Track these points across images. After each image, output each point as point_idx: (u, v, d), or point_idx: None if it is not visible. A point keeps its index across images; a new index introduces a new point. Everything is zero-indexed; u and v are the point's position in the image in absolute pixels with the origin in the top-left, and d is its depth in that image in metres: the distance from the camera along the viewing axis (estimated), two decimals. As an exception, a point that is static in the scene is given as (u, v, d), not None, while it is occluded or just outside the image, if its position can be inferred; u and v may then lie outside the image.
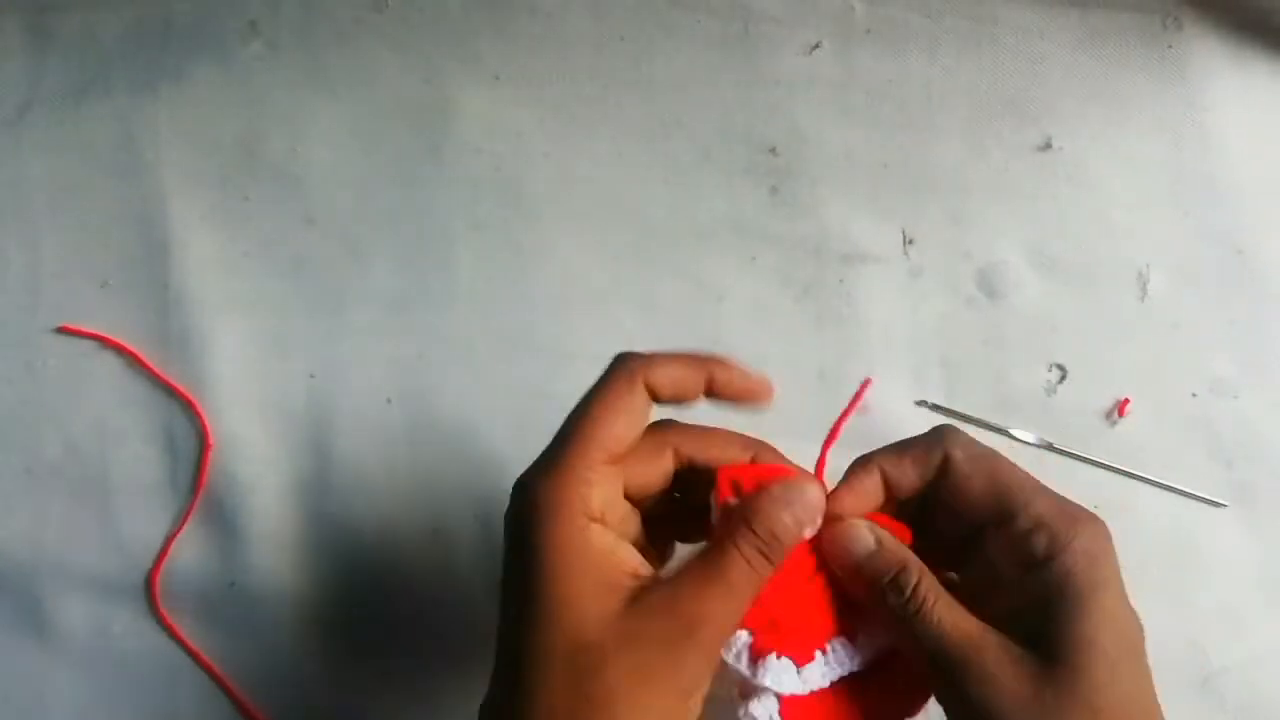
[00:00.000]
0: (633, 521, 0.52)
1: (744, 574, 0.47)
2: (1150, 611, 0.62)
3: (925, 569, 0.48)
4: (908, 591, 0.48)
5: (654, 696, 0.45)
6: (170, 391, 0.71)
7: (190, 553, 0.69)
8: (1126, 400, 0.68)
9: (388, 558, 0.69)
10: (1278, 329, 0.69)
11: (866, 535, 0.49)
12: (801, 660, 0.48)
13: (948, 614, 0.47)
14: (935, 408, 0.68)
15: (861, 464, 0.51)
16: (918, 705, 0.51)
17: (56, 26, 0.76)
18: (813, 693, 0.49)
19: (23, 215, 0.74)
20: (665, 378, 0.51)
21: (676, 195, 0.72)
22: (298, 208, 0.73)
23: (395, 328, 0.71)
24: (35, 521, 0.70)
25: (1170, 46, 0.72)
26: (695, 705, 0.47)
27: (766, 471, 0.50)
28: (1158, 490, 0.67)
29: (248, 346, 0.71)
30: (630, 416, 0.50)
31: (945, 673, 0.47)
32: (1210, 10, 0.72)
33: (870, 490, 0.51)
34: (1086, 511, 0.49)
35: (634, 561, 0.48)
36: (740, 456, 0.52)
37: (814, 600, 0.50)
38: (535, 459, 0.50)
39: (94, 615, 0.69)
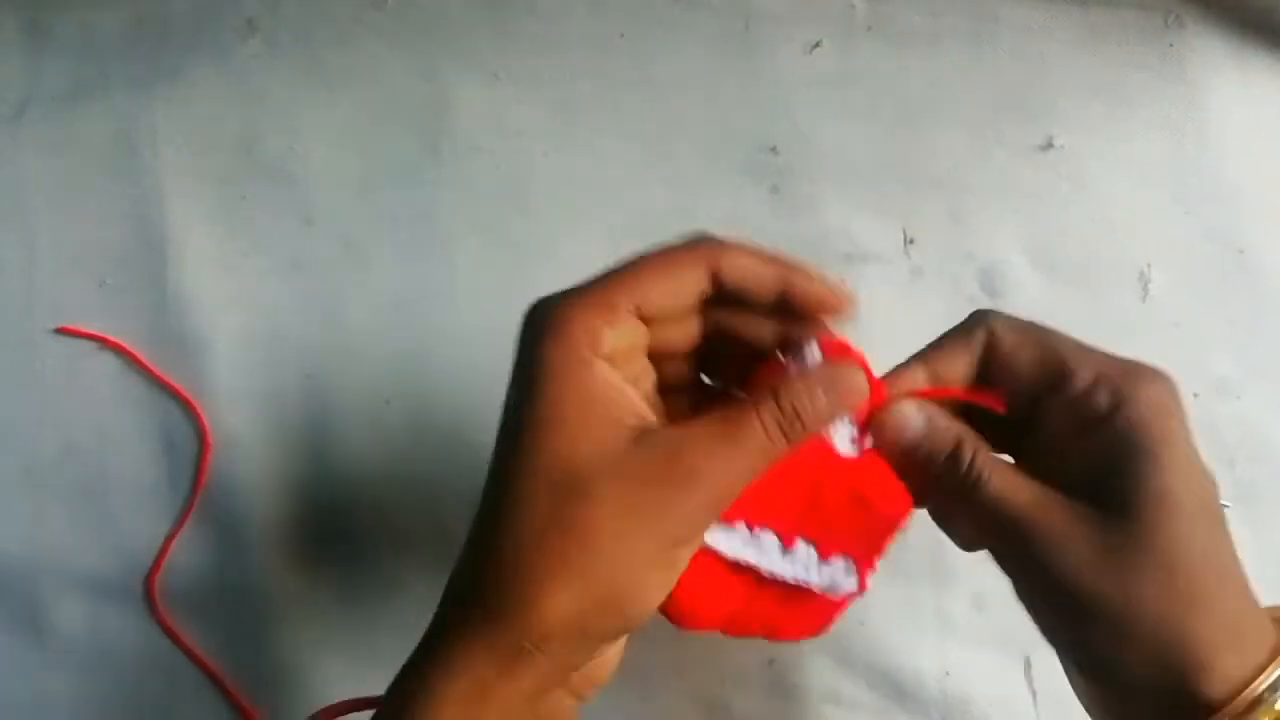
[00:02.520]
0: (647, 381, 0.50)
1: (758, 442, 0.45)
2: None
3: (980, 440, 0.47)
4: (964, 464, 0.46)
5: (637, 538, 0.43)
6: (169, 391, 0.71)
7: (189, 553, 0.69)
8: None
9: (387, 558, 0.69)
10: (1279, 329, 0.69)
11: (917, 415, 0.48)
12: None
13: (1008, 481, 0.46)
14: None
15: (905, 363, 0.50)
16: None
17: (54, 25, 0.76)
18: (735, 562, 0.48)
19: (20, 215, 0.74)
20: (737, 267, 0.48)
21: (677, 194, 0.72)
22: (296, 207, 0.73)
23: (394, 327, 0.71)
24: (33, 522, 0.70)
25: (1172, 45, 0.71)
26: (682, 558, 0.45)
27: (830, 348, 0.48)
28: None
29: (246, 346, 0.71)
30: (678, 285, 0.48)
31: (1011, 540, 0.46)
32: (1212, 9, 0.72)
33: (919, 383, 0.49)
34: (1149, 365, 0.47)
35: (640, 406, 0.46)
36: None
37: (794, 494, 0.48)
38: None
39: (92, 615, 0.69)
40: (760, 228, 0.71)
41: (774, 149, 0.72)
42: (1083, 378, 0.47)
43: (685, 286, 0.48)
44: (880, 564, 0.51)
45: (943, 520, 0.52)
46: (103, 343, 0.71)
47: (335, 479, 0.70)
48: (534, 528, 0.43)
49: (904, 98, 0.73)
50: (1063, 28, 0.72)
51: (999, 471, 0.46)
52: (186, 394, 0.70)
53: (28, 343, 0.72)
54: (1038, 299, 0.70)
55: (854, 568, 0.50)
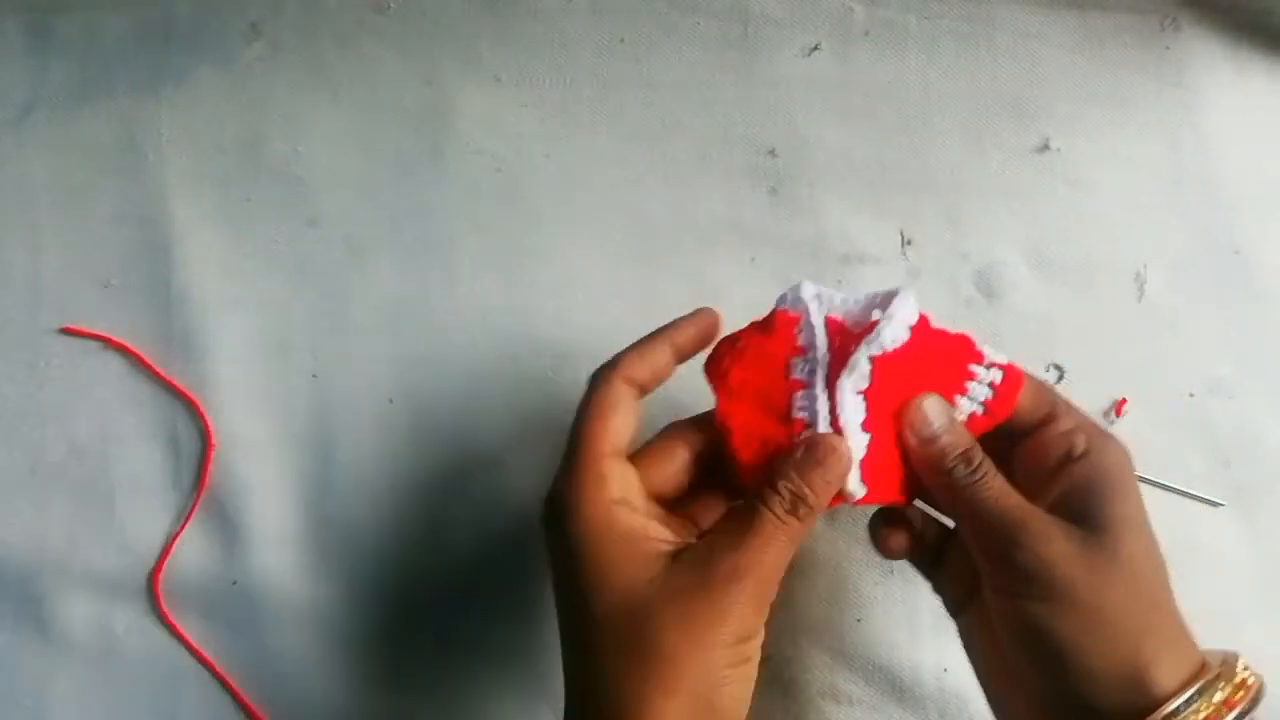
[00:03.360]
0: (656, 511, 0.55)
1: (775, 527, 0.51)
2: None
3: (982, 453, 0.54)
4: (974, 464, 0.54)
5: (705, 647, 0.49)
6: (173, 392, 0.71)
7: (192, 552, 0.69)
8: (1123, 401, 0.68)
9: (389, 557, 0.69)
10: (1275, 329, 0.69)
11: (944, 413, 0.55)
12: None
13: (1005, 485, 0.53)
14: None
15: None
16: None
17: (59, 27, 0.76)
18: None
19: (25, 216, 0.74)
20: (637, 369, 0.56)
21: (676, 196, 0.73)
22: (299, 208, 0.73)
23: (397, 328, 0.71)
24: (38, 521, 0.71)
25: (1168, 48, 0.72)
26: (753, 652, 0.52)
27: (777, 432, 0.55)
28: (1155, 489, 0.67)
29: (250, 347, 0.71)
30: (619, 413, 0.55)
31: (1001, 536, 0.52)
32: (1208, 11, 0.72)
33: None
34: (1097, 426, 0.56)
35: (665, 533, 0.53)
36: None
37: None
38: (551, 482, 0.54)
39: (97, 614, 0.69)
40: (758, 230, 0.72)
41: (772, 151, 0.73)
42: (1067, 422, 0.56)
43: (634, 411, 0.56)
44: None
45: (939, 508, 0.59)
46: (107, 343, 0.72)
47: (338, 478, 0.70)
48: (615, 664, 0.50)
49: (901, 101, 0.73)
50: (1059, 31, 0.72)
51: (1000, 477, 0.54)
52: (190, 394, 0.70)
53: (33, 343, 0.72)
54: (1034, 300, 0.70)
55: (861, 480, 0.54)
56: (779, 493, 0.51)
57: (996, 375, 0.56)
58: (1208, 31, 0.72)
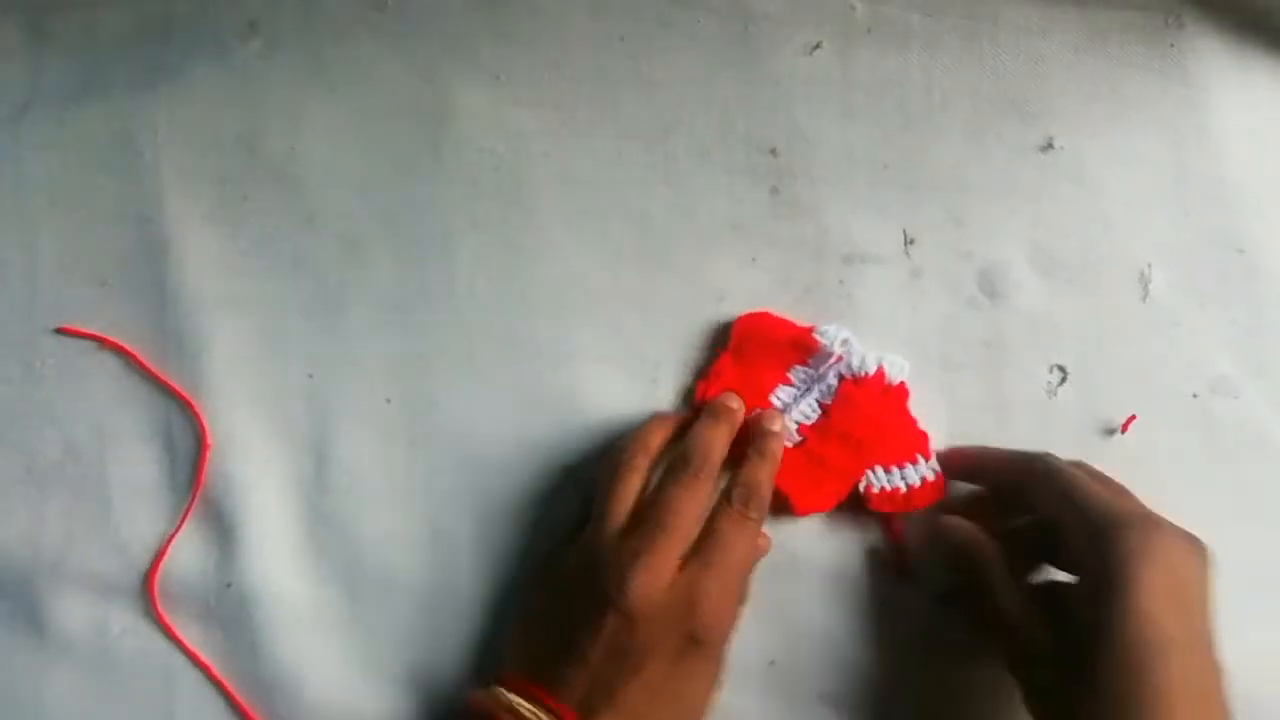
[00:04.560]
0: None
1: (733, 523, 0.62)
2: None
3: (1001, 559, 0.61)
4: (986, 574, 0.60)
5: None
6: (168, 391, 0.70)
7: (188, 553, 0.69)
8: (1132, 417, 0.68)
9: (386, 558, 0.69)
10: (1279, 329, 0.69)
11: (960, 529, 0.63)
12: None
13: (1007, 599, 0.59)
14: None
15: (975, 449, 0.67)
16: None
17: (55, 26, 0.75)
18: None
19: (21, 215, 0.73)
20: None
21: (676, 195, 0.72)
22: (297, 207, 0.72)
23: (395, 327, 0.71)
24: (33, 522, 0.70)
25: (1172, 45, 0.72)
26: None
27: None
28: (1158, 491, 0.67)
29: (246, 346, 0.71)
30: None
31: (996, 628, 0.59)
32: (1212, 9, 0.72)
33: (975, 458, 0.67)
34: (1140, 513, 0.57)
35: None
36: None
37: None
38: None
39: (92, 615, 0.69)
40: (759, 230, 0.71)
41: (774, 150, 0.72)
42: (1080, 525, 0.58)
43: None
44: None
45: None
46: (102, 343, 0.71)
47: (335, 479, 0.70)
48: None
49: (904, 99, 0.72)
50: (1063, 28, 0.72)
51: (1004, 589, 0.59)
52: (186, 394, 0.70)
53: (28, 342, 0.72)
54: (1037, 299, 0.70)
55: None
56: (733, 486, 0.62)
57: (929, 473, 0.66)
58: (1211, 29, 0.72)
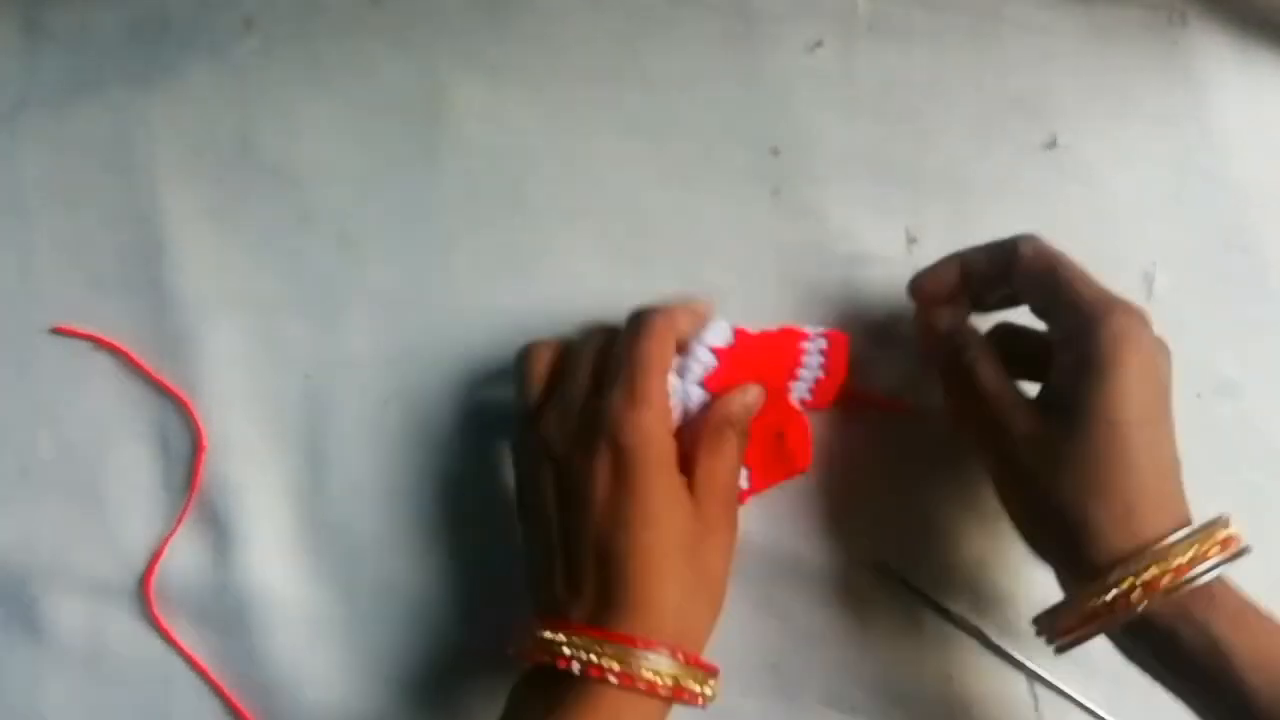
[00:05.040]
0: None
1: (732, 461, 0.62)
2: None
3: (985, 343, 0.62)
4: (967, 355, 0.61)
5: (729, 564, 0.61)
6: (164, 392, 0.70)
7: (184, 554, 0.69)
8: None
9: (383, 559, 0.69)
10: (1284, 329, 0.69)
11: (948, 318, 0.64)
12: None
13: (992, 374, 0.60)
14: (899, 579, 0.67)
15: (945, 258, 0.64)
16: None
17: (52, 23, 0.75)
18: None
19: (16, 213, 0.73)
20: (682, 326, 0.62)
21: (677, 194, 0.72)
22: (294, 206, 0.72)
23: (392, 327, 0.71)
24: (29, 523, 0.70)
25: (1176, 43, 0.71)
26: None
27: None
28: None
29: (242, 346, 0.71)
30: (670, 351, 0.61)
31: (981, 414, 0.60)
32: (1216, 7, 0.71)
33: (948, 271, 0.64)
34: (1123, 300, 0.58)
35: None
36: None
37: None
38: (610, 390, 0.59)
39: (88, 617, 0.69)
40: (761, 229, 0.71)
41: (775, 149, 0.72)
42: (1064, 297, 0.59)
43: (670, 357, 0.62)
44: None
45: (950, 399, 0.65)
46: (98, 343, 0.71)
47: (331, 480, 0.70)
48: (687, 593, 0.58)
49: (906, 97, 0.72)
50: (1066, 26, 0.72)
51: (987, 365, 0.61)
52: (182, 394, 0.70)
53: (23, 343, 0.72)
54: (1041, 299, 0.69)
55: (749, 477, 0.65)
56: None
57: (823, 343, 0.65)
58: (1215, 26, 0.71)
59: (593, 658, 0.54)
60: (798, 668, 0.67)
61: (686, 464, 0.60)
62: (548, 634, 0.56)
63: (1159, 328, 0.68)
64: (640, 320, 0.61)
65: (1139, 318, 0.58)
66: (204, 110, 0.74)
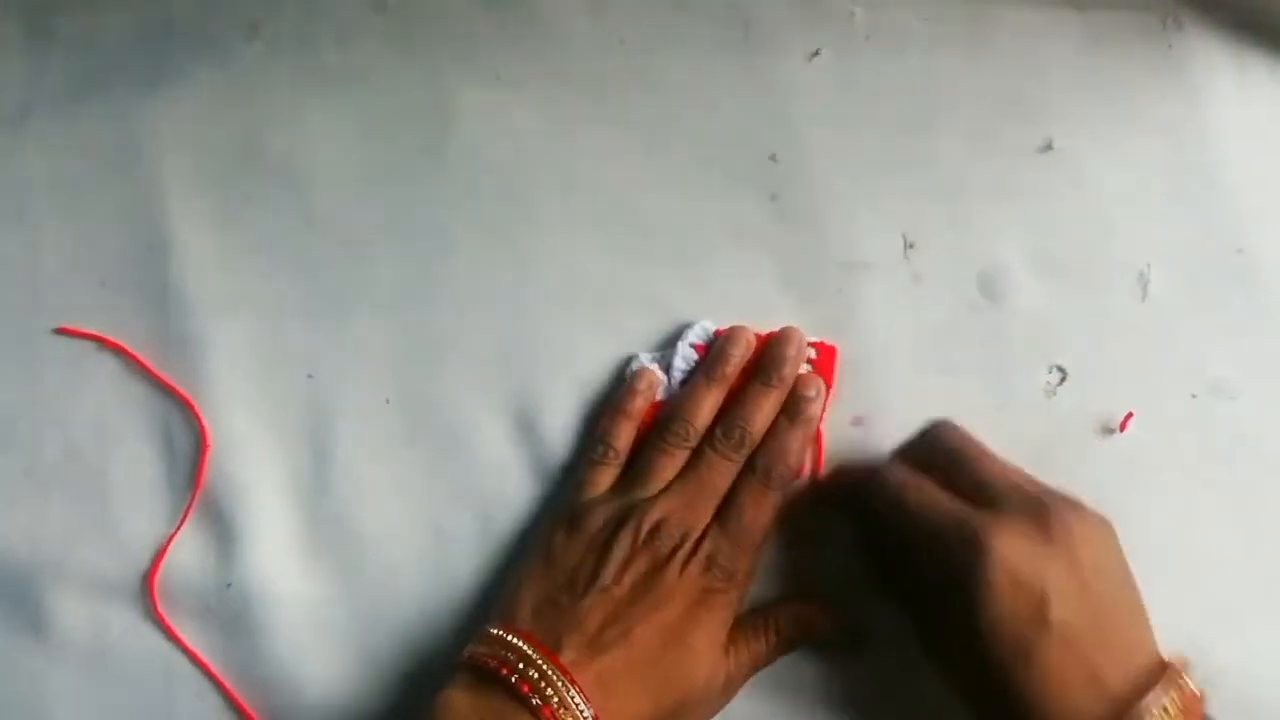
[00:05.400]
0: None
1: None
2: (1151, 611, 0.62)
3: None
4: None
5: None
6: (168, 392, 0.70)
7: (188, 553, 0.69)
8: (1130, 415, 0.68)
9: (387, 558, 0.69)
10: (1278, 329, 0.69)
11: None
12: None
13: None
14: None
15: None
16: None
17: (57, 27, 0.76)
18: None
19: (22, 215, 0.74)
20: None
21: (676, 200, 0.72)
22: (298, 208, 0.73)
23: (395, 328, 0.71)
24: (33, 522, 0.70)
25: (1170, 46, 0.72)
26: None
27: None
28: (1157, 492, 0.67)
29: (246, 347, 0.71)
30: None
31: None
32: (1210, 10, 0.72)
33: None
34: (968, 524, 0.56)
35: None
36: None
37: None
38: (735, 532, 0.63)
39: (92, 616, 0.69)
40: (759, 236, 0.72)
41: (773, 157, 0.73)
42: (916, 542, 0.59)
43: None
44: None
45: None
46: (103, 343, 0.71)
47: (335, 479, 0.70)
48: None
49: (903, 103, 0.73)
50: (1061, 30, 0.72)
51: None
52: (186, 394, 0.70)
53: (28, 343, 0.72)
54: (1037, 301, 0.70)
55: None
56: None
57: (811, 352, 0.68)
58: (1210, 30, 0.72)
59: (532, 673, 0.56)
60: (797, 666, 0.66)
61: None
62: (510, 637, 0.58)
63: (1154, 330, 0.68)
64: (779, 471, 0.64)
65: (992, 530, 0.55)
66: (209, 114, 0.74)
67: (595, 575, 0.60)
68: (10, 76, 0.76)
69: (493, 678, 0.56)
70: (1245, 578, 0.66)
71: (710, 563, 0.61)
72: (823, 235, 0.72)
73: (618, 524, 0.62)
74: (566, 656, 0.57)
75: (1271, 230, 0.70)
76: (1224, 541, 0.67)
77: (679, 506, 0.63)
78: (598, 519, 0.63)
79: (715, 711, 0.62)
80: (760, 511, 0.63)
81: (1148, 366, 0.69)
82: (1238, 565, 0.66)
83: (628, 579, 0.60)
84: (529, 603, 0.61)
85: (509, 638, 0.58)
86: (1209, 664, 0.64)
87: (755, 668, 0.63)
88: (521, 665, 0.56)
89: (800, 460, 0.66)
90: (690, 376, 0.68)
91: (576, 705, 0.55)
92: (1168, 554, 0.66)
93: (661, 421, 0.67)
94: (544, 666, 0.56)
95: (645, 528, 0.62)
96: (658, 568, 0.61)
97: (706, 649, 0.60)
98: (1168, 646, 0.64)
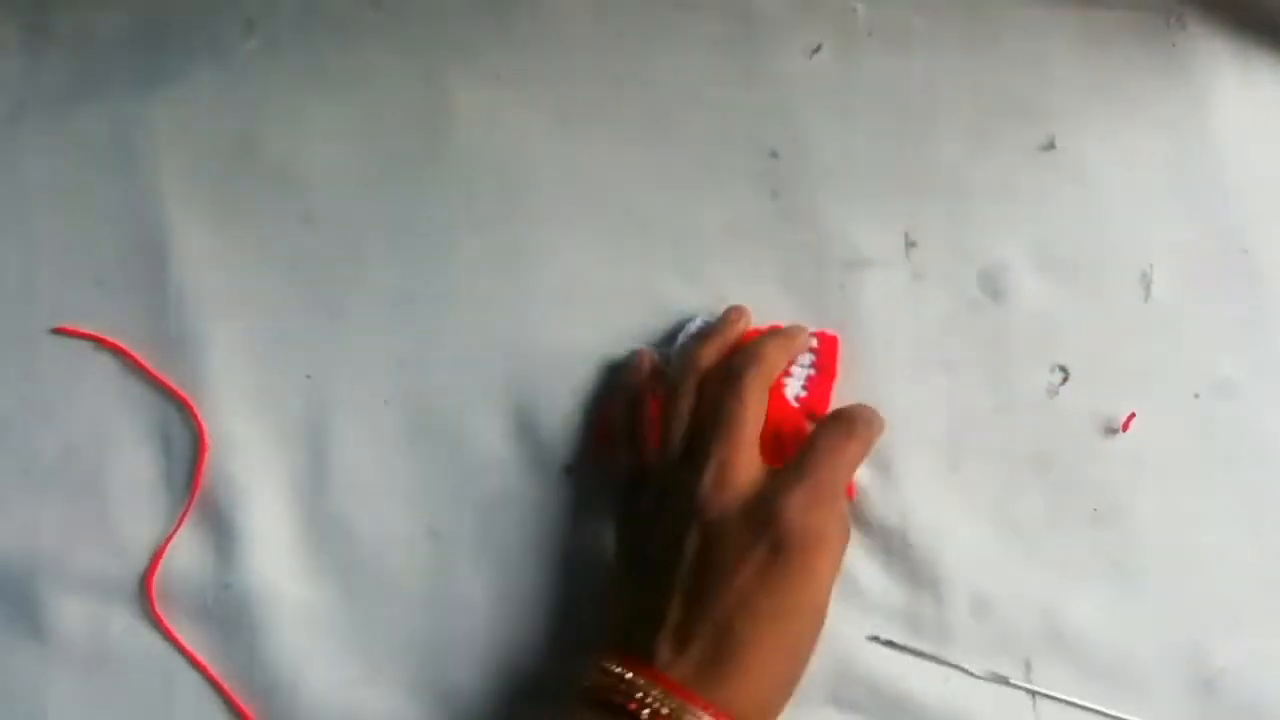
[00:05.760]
0: None
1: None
2: (1152, 612, 0.62)
3: None
4: None
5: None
6: (167, 392, 0.70)
7: (186, 554, 0.69)
8: (1132, 415, 0.68)
9: (385, 559, 0.69)
10: (1281, 329, 0.69)
11: None
12: None
13: None
14: (889, 643, 0.67)
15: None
16: None
17: (53, 25, 0.76)
18: None
19: (18, 215, 0.74)
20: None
21: (677, 198, 0.72)
22: (296, 207, 0.73)
23: (394, 328, 0.71)
24: (31, 522, 0.70)
25: (1174, 45, 0.72)
26: None
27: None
28: (1160, 493, 0.67)
29: (245, 347, 0.71)
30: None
31: None
32: (1214, 9, 0.72)
33: None
34: None
35: None
36: None
37: None
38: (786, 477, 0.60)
39: (90, 617, 0.69)
40: (760, 233, 0.72)
41: (774, 154, 0.73)
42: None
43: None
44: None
45: None
46: (100, 343, 0.71)
47: (333, 480, 0.70)
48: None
49: (905, 101, 0.73)
50: (1064, 28, 0.72)
51: None
52: (184, 394, 0.70)
53: (25, 343, 0.72)
54: (1039, 300, 0.70)
55: None
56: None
57: (814, 342, 0.68)
58: (1214, 29, 0.72)
59: (664, 710, 0.54)
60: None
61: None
62: (630, 675, 0.56)
63: (1157, 329, 0.68)
64: (737, 379, 0.62)
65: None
66: (205, 112, 0.74)
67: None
68: (6, 75, 0.76)
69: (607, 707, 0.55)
70: (1247, 578, 0.66)
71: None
72: (824, 233, 0.71)
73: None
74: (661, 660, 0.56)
75: (1275, 230, 0.70)
76: (1227, 542, 0.67)
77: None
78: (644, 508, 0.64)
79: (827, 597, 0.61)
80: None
81: (1150, 366, 0.68)
82: (1240, 566, 0.66)
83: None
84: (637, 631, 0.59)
85: (625, 674, 0.56)
86: (1210, 664, 0.65)
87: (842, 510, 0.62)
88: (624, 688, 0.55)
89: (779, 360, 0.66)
90: None
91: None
92: (1170, 554, 0.66)
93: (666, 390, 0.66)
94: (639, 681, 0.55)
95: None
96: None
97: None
98: (1170, 646, 0.65)
